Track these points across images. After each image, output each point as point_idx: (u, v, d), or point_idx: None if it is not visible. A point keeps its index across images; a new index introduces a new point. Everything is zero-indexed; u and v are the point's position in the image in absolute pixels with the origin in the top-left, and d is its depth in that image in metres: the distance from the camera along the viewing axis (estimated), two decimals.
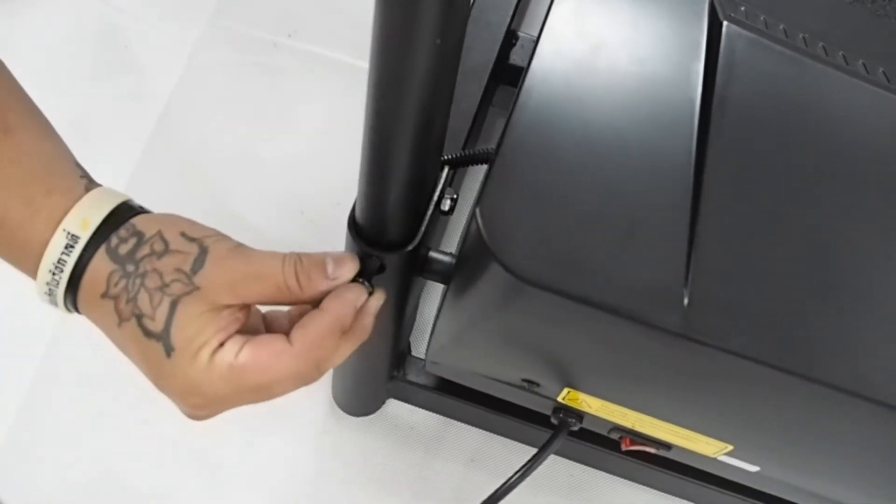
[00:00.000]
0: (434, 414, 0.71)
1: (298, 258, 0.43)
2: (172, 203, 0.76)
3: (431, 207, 0.50)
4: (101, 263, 0.41)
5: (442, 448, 0.71)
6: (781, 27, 0.50)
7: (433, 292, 0.74)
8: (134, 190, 0.77)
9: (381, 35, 0.36)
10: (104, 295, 0.41)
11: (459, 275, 0.48)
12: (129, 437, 0.70)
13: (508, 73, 0.74)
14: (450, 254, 0.52)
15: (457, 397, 0.66)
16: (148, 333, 0.40)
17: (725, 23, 0.48)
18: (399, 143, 0.41)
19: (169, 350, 0.40)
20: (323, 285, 0.43)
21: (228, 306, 0.41)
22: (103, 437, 0.70)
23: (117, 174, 0.78)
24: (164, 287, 0.40)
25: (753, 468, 0.55)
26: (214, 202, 0.78)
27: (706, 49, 0.47)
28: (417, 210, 0.49)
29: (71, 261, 0.40)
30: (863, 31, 0.53)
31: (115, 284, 0.41)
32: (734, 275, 0.44)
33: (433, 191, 0.50)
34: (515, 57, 0.75)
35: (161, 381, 0.41)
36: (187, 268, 0.41)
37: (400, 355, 0.66)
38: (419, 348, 0.71)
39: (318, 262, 0.43)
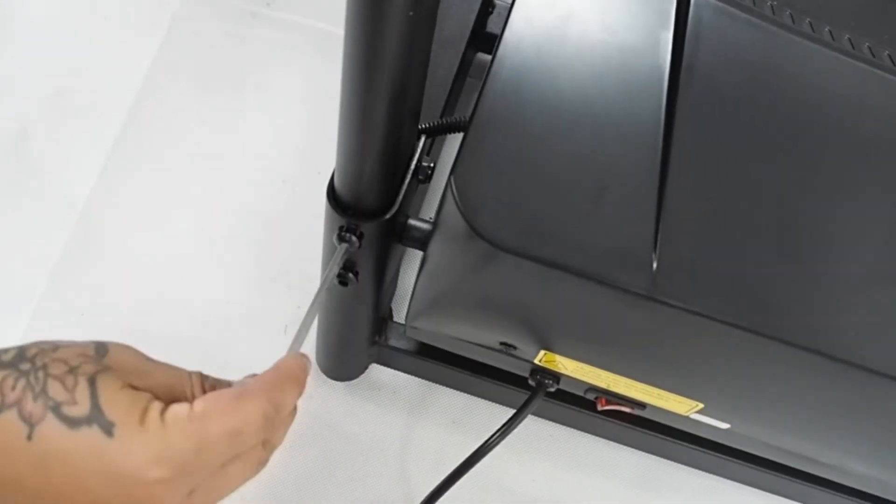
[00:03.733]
0: (416, 378, 0.73)
1: (203, 377, 0.38)
2: (154, 171, 0.78)
3: (409, 176, 0.51)
4: None
5: (424, 411, 0.72)
6: None
7: (414, 258, 0.75)
8: (115, 165, 0.78)
9: (354, 7, 0.36)
10: (0, 408, 0.33)
11: (435, 240, 0.49)
12: None
13: (485, 42, 0.75)
14: (429, 221, 0.53)
15: (438, 361, 0.68)
16: (74, 422, 0.33)
17: None
18: (375, 114, 0.42)
19: (108, 428, 0.33)
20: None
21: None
22: None
23: (98, 146, 0.79)
24: (74, 369, 0.34)
25: (724, 425, 0.56)
26: (193, 173, 0.79)
27: (675, 18, 0.48)
28: (395, 179, 0.50)
29: None
30: None
31: (13, 388, 0.33)
32: (702, 238, 0.45)
33: (410, 159, 0.51)
34: (492, 25, 0.75)
35: (109, 473, 0.33)
36: (90, 353, 0.36)
37: (381, 321, 0.67)
38: (400, 314, 0.72)
39: (224, 383, 0.39)
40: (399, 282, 0.73)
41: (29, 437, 0.33)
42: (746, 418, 0.55)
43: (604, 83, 0.46)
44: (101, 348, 0.36)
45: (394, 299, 0.72)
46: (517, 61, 0.46)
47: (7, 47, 0.83)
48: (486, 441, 0.60)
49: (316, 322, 0.71)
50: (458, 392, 0.73)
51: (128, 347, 0.38)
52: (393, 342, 0.68)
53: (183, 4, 0.86)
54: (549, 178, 0.45)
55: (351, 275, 0.53)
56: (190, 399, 0.36)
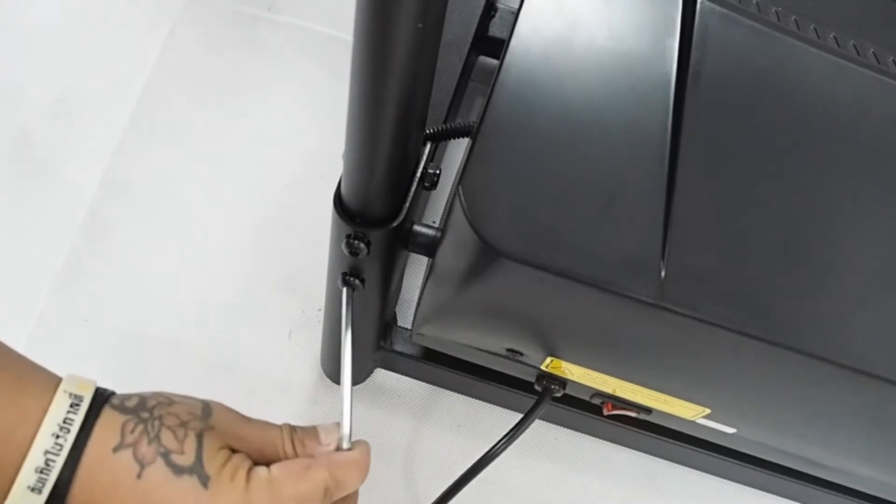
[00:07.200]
0: (421, 382, 0.73)
1: (292, 429, 0.46)
2: (157, 176, 0.78)
3: (415, 183, 0.51)
4: (110, 418, 0.40)
5: (430, 415, 0.72)
6: (755, 2, 0.51)
7: (418, 263, 0.75)
8: (117, 170, 0.78)
9: (363, 21, 0.36)
10: (119, 447, 0.39)
11: (443, 250, 0.49)
12: None
13: (488, 45, 0.75)
14: (434, 227, 0.53)
15: (443, 366, 0.68)
16: (179, 470, 0.40)
17: None
18: (384, 126, 0.42)
19: (205, 480, 0.40)
20: (317, 451, 0.46)
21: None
22: None
23: (100, 152, 0.79)
24: (185, 423, 0.41)
25: (730, 430, 0.57)
26: (196, 177, 0.79)
27: (681, 25, 0.48)
28: (402, 186, 0.50)
29: (78, 419, 0.39)
30: (836, 4, 0.54)
31: (132, 431, 0.40)
32: (710, 246, 0.45)
33: (417, 166, 0.51)
34: (494, 29, 0.75)
35: None
36: (198, 412, 0.43)
37: (386, 326, 0.67)
38: (405, 318, 0.72)
39: (311, 431, 0.47)
40: (403, 286, 0.73)
41: (139, 476, 0.39)
42: (753, 423, 0.56)
43: (611, 91, 0.46)
44: (207, 409, 0.43)
45: (398, 304, 0.73)
46: (524, 69, 0.46)
47: (6, 52, 0.83)
48: (493, 447, 0.60)
49: (321, 327, 0.72)
50: (463, 396, 0.73)
51: (228, 410, 0.44)
52: (398, 347, 0.68)
53: (184, 8, 0.86)
54: (557, 187, 0.45)
55: (357, 281, 0.54)
56: (280, 453, 0.44)
